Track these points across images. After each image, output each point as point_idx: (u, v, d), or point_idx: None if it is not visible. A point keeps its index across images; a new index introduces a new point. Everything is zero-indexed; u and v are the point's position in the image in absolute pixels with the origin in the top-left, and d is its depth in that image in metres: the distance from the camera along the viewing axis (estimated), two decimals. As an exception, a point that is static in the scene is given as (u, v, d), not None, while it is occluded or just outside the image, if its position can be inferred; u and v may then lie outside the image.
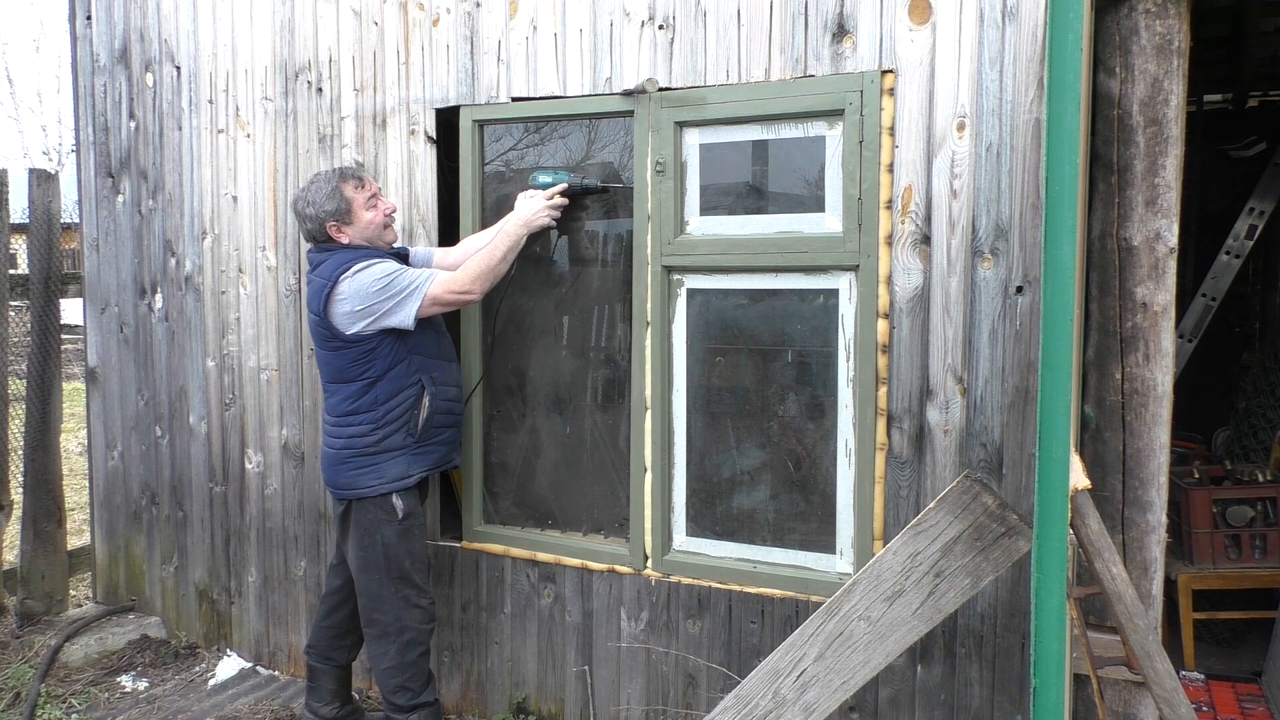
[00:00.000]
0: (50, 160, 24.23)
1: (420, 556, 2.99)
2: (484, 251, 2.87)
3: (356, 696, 3.45)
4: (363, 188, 2.91)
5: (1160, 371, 1.93)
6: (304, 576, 3.67)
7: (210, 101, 3.71)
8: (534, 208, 2.93)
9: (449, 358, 3.04)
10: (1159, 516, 1.96)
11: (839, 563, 2.79)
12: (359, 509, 2.92)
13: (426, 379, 2.92)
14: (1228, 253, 4.45)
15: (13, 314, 4.19)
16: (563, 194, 2.97)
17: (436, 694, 3.06)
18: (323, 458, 3.01)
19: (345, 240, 2.89)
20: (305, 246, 3.51)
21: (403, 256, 3.03)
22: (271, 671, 3.78)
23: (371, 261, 2.83)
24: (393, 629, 2.94)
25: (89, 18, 3.97)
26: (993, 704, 2.60)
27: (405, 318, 2.80)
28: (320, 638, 3.19)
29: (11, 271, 4.11)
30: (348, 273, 2.80)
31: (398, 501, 2.90)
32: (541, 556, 3.19)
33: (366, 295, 2.77)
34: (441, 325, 3.03)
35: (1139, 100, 1.90)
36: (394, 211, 3.00)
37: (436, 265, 3.07)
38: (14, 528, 4.31)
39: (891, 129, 2.59)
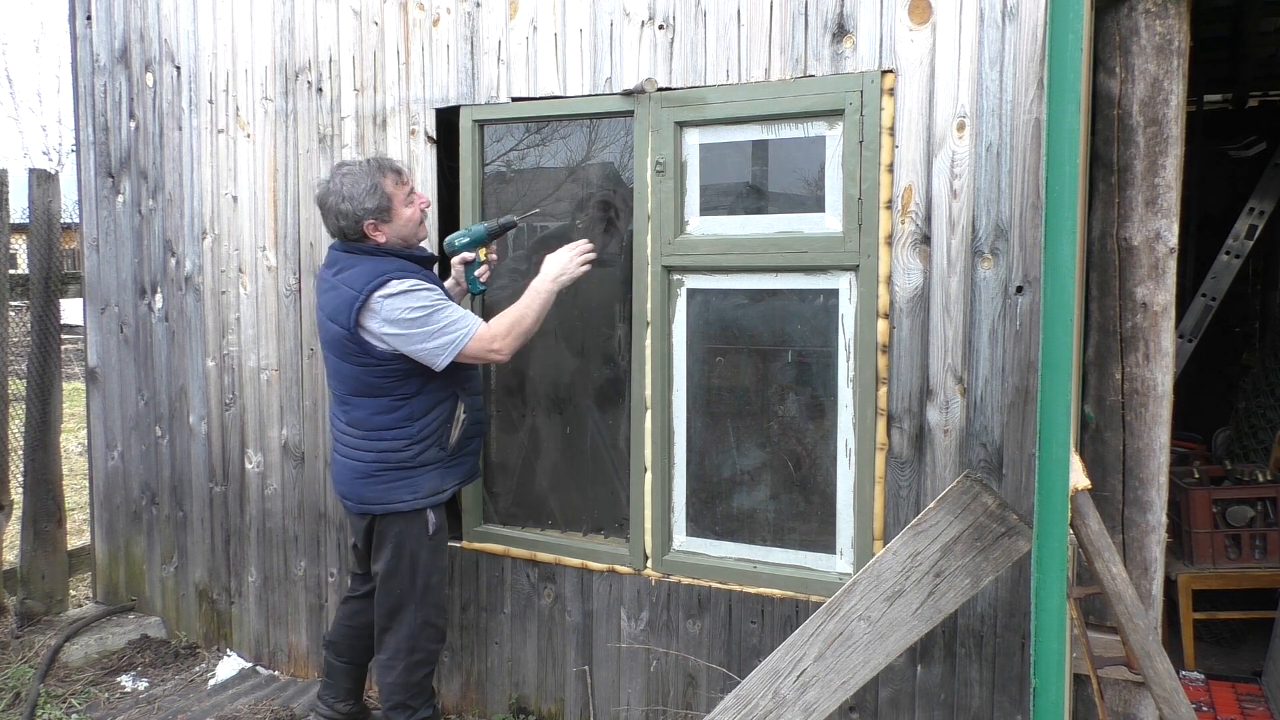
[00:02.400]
0: (50, 160, 24.23)
1: (444, 572, 2.93)
2: (515, 309, 2.74)
3: (369, 701, 3.42)
4: (402, 183, 2.74)
5: (1160, 371, 1.93)
6: (304, 576, 3.67)
7: (210, 101, 3.71)
8: (560, 263, 2.80)
9: (476, 366, 2.95)
10: (1159, 516, 1.96)
11: (839, 563, 2.79)
12: (387, 523, 2.80)
13: (460, 391, 2.82)
14: (1228, 253, 4.45)
15: (13, 314, 4.19)
16: (489, 235, 2.91)
17: (434, 707, 3.00)
18: (343, 469, 2.85)
19: (382, 239, 2.72)
20: (305, 246, 3.52)
21: (430, 261, 2.88)
22: (271, 671, 3.78)
23: (414, 283, 2.65)
24: (404, 647, 2.86)
25: (89, 18, 3.97)
26: (993, 704, 2.60)
27: (436, 363, 2.66)
28: (343, 636, 3.10)
29: (11, 271, 4.10)
30: (382, 290, 2.62)
31: (431, 516, 2.81)
32: (541, 556, 3.19)
33: (400, 320, 2.62)
34: None
35: (1139, 100, 1.90)
36: (428, 206, 2.87)
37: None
38: (14, 528, 4.31)
39: (891, 129, 2.59)
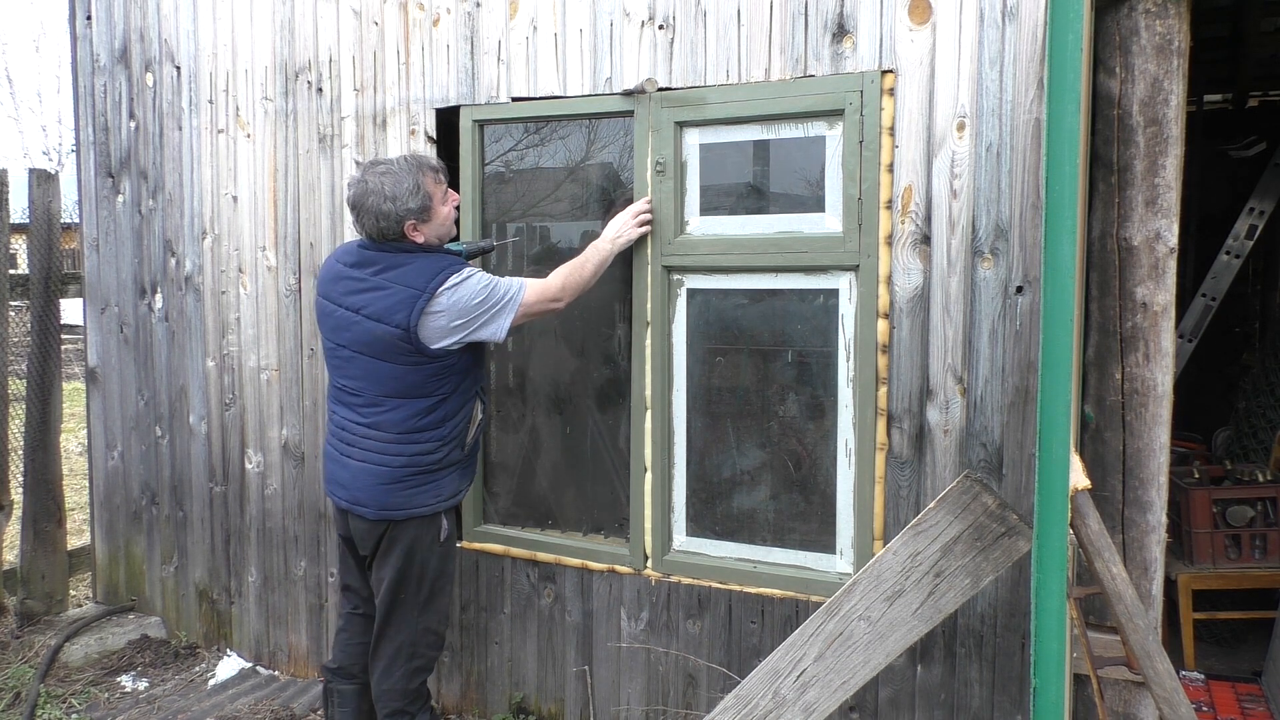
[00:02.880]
0: (50, 160, 24.24)
1: (451, 579, 2.87)
2: (574, 261, 2.75)
3: None
4: (439, 181, 2.68)
5: (1160, 371, 1.93)
6: (304, 576, 3.67)
7: (210, 101, 3.71)
8: (617, 226, 2.83)
9: (485, 364, 2.93)
10: (1159, 516, 1.96)
11: (839, 563, 2.79)
12: (402, 529, 2.71)
13: (479, 389, 2.80)
14: (1228, 253, 4.45)
15: (13, 314, 4.19)
16: (466, 255, 2.88)
17: (430, 709, 2.93)
18: (360, 475, 2.72)
19: (420, 239, 2.66)
20: (305, 246, 3.52)
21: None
22: (271, 671, 3.78)
23: (468, 271, 2.65)
24: (404, 654, 2.79)
25: (89, 18, 3.98)
26: (993, 704, 2.60)
27: (499, 330, 2.65)
28: (355, 657, 2.95)
29: (11, 271, 4.10)
30: (446, 284, 2.59)
31: (444, 522, 2.76)
32: (541, 556, 3.19)
33: (467, 309, 2.60)
34: None
35: (1139, 100, 1.90)
36: (459, 203, 2.86)
37: None
38: (14, 528, 4.31)
39: (891, 129, 2.59)
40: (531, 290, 2.68)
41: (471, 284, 2.62)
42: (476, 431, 2.83)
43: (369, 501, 2.72)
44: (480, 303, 2.62)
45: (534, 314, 2.73)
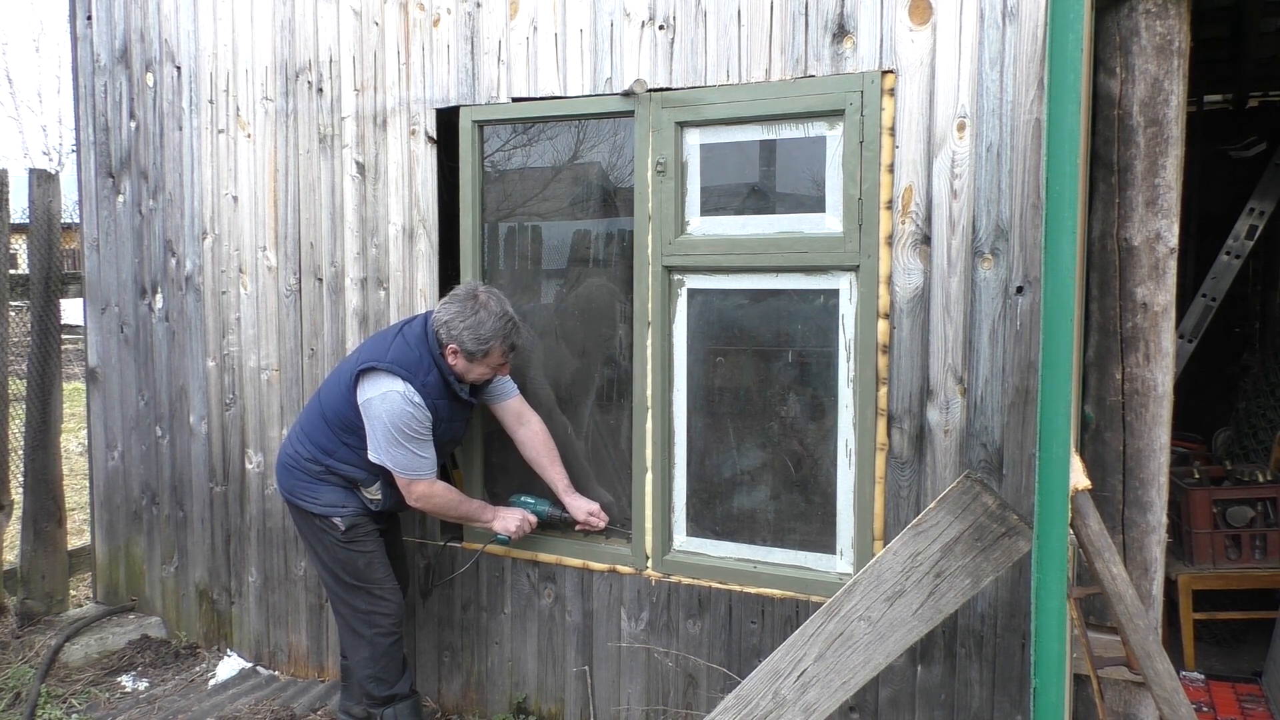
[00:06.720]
0: (50, 160, 24.25)
1: (369, 556, 3.06)
2: (457, 497, 3.02)
3: None
4: (504, 355, 2.90)
5: (1160, 371, 1.93)
6: (304, 576, 3.67)
7: (210, 101, 3.71)
8: (504, 521, 3.07)
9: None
10: (1159, 517, 1.96)
11: (839, 563, 2.79)
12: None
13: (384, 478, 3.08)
14: (1228, 253, 4.44)
15: (13, 314, 4.19)
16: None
17: (412, 683, 3.10)
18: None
19: (451, 363, 2.87)
20: (305, 246, 3.53)
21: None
22: (272, 671, 3.78)
23: (422, 401, 2.85)
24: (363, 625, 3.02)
25: (89, 18, 3.97)
26: (993, 704, 2.60)
27: (373, 451, 2.95)
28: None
29: (11, 271, 4.10)
30: (408, 389, 2.82)
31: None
32: (542, 557, 3.19)
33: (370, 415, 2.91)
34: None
35: (1139, 100, 1.90)
36: (494, 376, 3.01)
37: (507, 398, 3.12)
38: (14, 528, 4.30)
39: (892, 129, 2.59)
40: (415, 473, 2.89)
41: (418, 408, 2.82)
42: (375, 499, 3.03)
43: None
44: (395, 426, 2.83)
45: (398, 482, 2.92)
